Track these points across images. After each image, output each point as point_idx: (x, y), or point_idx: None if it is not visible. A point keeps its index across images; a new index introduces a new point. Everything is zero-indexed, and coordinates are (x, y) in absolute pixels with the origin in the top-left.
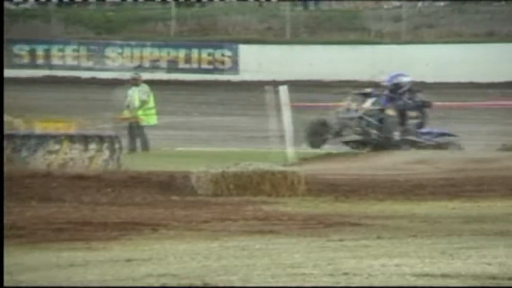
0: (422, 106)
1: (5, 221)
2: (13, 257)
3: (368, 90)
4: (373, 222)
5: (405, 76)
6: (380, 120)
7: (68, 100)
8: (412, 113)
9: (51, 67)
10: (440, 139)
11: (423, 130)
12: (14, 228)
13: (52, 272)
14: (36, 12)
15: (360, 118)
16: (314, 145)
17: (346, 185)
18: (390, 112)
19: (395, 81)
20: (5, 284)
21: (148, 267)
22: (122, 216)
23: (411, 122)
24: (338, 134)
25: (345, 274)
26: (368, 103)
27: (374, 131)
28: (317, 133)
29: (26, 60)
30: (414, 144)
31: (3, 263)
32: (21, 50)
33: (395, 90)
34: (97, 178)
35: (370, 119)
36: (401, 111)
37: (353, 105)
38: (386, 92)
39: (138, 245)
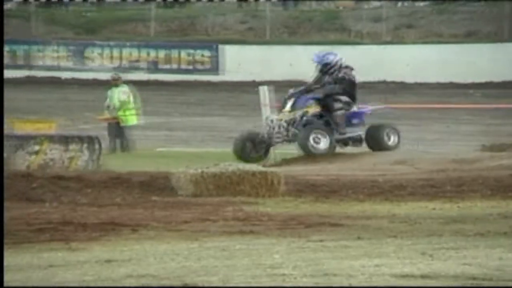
0: (347, 87)
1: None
2: None
3: (291, 91)
4: (353, 223)
5: (333, 54)
6: (304, 123)
7: (48, 100)
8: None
9: (30, 67)
10: (365, 121)
11: (349, 112)
12: None
13: (32, 272)
14: (17, 12)
15: (283, 126)
16: (246, 161)
17: (326, 185)
18: (312, 110)
19: (325, 61)
20: (5, 284)
21: (128, 268)
22: (102, 217)
23: (338, 114)
24: (269, 146)
25: (325, 274)
26: (287, 107)
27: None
28: (247, 148)
29: (5, 60)
30: (342, 141)
31: (3, 263)
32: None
33: (325, 71)
34: (77, 179)
35: (289, 127)
36: (325, 104)
37: (274, 114)
38: (304, 87)
39: (117, 245)
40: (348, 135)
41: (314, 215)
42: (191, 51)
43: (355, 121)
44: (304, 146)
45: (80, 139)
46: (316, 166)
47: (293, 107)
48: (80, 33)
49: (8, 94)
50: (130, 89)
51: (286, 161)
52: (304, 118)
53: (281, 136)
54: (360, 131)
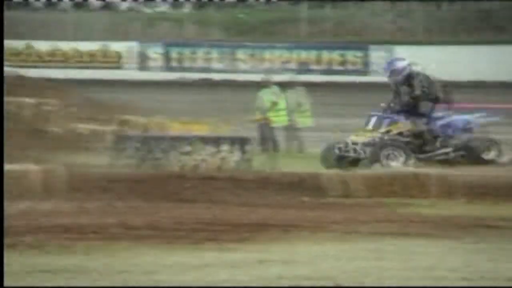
0: (426, 95)
1: (139, 221)
2: (149, 256)
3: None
4: (510, 225)
5: (400, 60)
6: (383, 144)
7: (200, 102)
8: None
9: (183, 69)
10: (469, 134)
11: (440, 122)
12: (149, 228)
13: (185, 272)
14: (169, 15)
15: (356, 149)
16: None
17: (480, 187)
18: (396, 129)
19: (392, 67)
20: (5, 284)
21: (280, 268)
22: (253, 217)
23: (426, 129)
24: (352, 164)
25: (482, 277)
26: (369, 126)
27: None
28: (332, 159)
29: (159, 63)
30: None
31: (3, 263)
32: (155, 52)
33: (393, 77)
34: (229, 180)
35: (365, 147)
36: (410, 120)
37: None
38: (388, 103)
39: (269, 246)
40: (437, 152)
41: (469, 216)
42: (342, 51)
43: (451, 132)
44: (373, 163)
45: (232, 140)
46: (471, 167)
47: (375, 126)
48: (231, 35)
49: (160, 96)
50: (279, 90)
51: (438, 162)
52: (385, 137)
53: (358, 155)
54: (464, 139)
